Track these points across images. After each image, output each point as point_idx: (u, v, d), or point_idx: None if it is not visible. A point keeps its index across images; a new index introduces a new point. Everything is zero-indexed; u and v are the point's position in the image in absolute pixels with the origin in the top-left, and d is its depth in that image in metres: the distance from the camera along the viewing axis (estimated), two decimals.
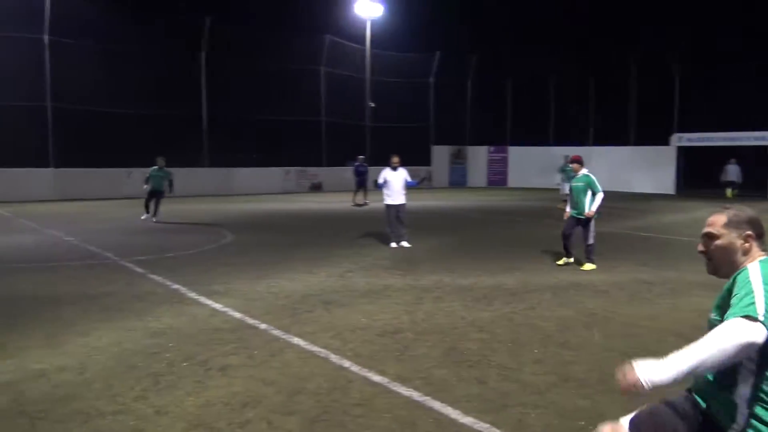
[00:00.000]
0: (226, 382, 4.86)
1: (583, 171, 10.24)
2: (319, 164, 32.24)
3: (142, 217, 16.28)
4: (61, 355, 5.50)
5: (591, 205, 9.90)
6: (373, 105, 34.39)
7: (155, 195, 16.20)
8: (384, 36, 34.87)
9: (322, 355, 5.55)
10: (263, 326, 6.45)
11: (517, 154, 36.42)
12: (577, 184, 10.13)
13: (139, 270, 9.53)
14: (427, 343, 5.90)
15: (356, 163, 22.97)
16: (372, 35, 34.03)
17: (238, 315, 6.89)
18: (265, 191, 28.61)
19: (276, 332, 6.24)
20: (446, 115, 36.94)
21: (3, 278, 8.92)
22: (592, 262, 9.96)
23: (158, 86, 26.95)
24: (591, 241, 10.01)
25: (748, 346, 1.97)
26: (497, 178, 36.94)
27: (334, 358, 5.47)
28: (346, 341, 5.96)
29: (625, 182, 32.73)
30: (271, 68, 29.61)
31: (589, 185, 9.97)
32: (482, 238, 13.42)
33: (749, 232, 2.31)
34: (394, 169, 12.34)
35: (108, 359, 5.39)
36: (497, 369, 5.20)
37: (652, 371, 2.01)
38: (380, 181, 12.39)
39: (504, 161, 37.09)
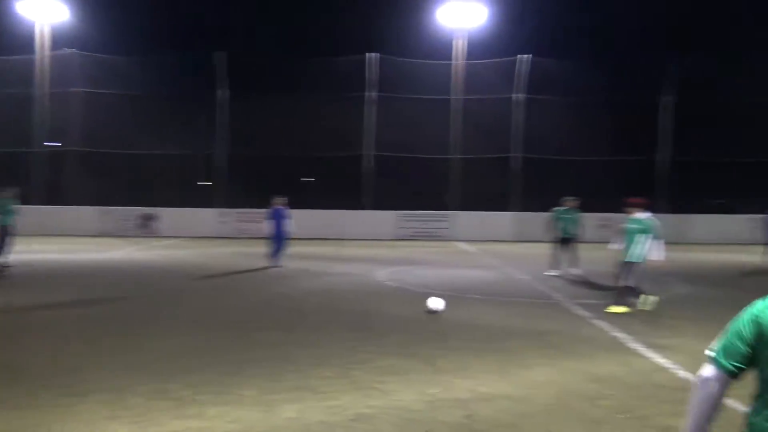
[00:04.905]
0: None
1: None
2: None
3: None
4: (508, 384, 5.95)
5: None
6: None
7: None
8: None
9: None
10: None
11: None
12: None
13: (584, 313, 9.64)
14: None
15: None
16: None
17: (683, 374, 6.30)
18: (729, 241, 25.62)
19: (730, 400, 5.46)
20: None
21: (466, 307, 10.17)
22: None
23: (626, 133, 27.03)
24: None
25: (704, 385, 2.17)
26: None
27: None
28: None
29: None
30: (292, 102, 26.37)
31: None
32: None
33: None
34: None
35: (548, 396, 5.59)
36: None
37: None
38: None
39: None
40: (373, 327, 8.51)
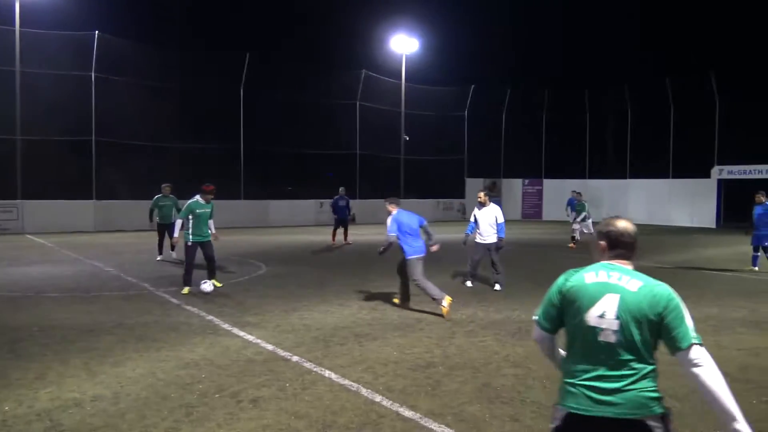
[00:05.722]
0: (257, 415, 4.85)
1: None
2: (352, 197, 32.44)
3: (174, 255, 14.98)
4: (96, 384, 5.57)
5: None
6: (407, 138, 34.65)
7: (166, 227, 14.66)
8: (419, 70, 35.36)
9: (353, 388, 5.50)
10: (295, 359, 6.44)
11: (552, 186, 36.13)
12: None
13: (175, 301, 9.65)
14: (459, 379, 5.80)
15: (336, 197, 20.05)
16: (407, 69, 34.49)
17: (270, 347, 6.90)
18: (300, 223, 28.86)
19: (308, 365, 6.22)
20: (480, 147, 36.96)
21: (42, 307, 9.12)
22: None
23: (198, 121, 27.78)
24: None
25: (540, 340, 2.96)
26: (532, 211, 36.62)
27: (365, 391, 5.41)
28: (377, 375, 5.90)
29: (664, 216, 32.12)
30: (308, 102, 30.19)
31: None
32: (517, 271, 13.24)
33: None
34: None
35: (141, 389, 5.44)
36: (532, 406, 5.08)
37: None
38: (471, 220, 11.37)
39: (539, 194, 36.81)
40: None
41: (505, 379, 5.82)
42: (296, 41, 37.08)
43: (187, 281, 10.36)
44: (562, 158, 37.39)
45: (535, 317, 2.87)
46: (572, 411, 2.59)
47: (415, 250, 9.02)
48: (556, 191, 35.53)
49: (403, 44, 34.00)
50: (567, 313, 2.70)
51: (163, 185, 15.09)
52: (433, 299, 8.73)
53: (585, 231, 19.07)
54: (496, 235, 10.92)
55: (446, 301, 8.59)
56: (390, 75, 34.40)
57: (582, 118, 36.99)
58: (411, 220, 9.18)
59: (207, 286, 10.15)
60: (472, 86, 36.04)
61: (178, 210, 14.81)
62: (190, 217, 10.37)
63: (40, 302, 9.51)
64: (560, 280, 2.78)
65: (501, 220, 10.96)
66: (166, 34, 31.22)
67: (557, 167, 36.94)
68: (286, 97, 29.54)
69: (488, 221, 10.93)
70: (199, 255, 10.47)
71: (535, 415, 4.87)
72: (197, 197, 10.54)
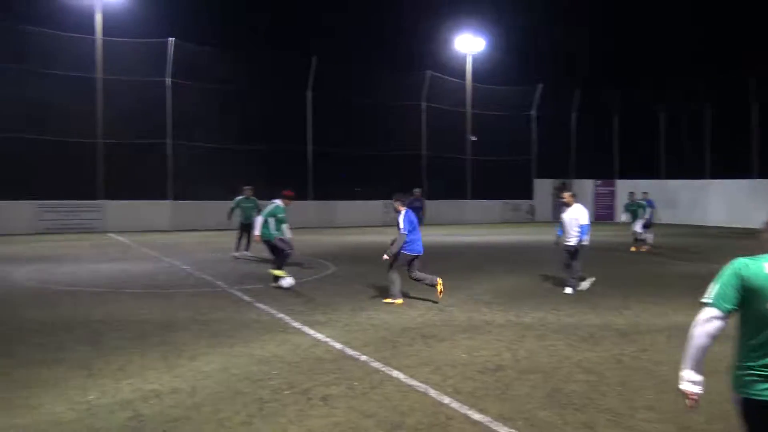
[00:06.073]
0: (327, 412, 4.90)
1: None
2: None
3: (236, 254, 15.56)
4: (174, 377, 5.78)
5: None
6: (473, 138, 34.34)
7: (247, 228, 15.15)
8: (485, 69, 34.97)
9: (421, 389, 5.49)
10: (363, 358, 6.48)
11: (625, 187, 34.95)
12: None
13: (246, 298, 9.90)
14: (530, 383, 5.69)
15: (411, 198, 19.45)
16: (473, 69, 34.20)
17: (339, 345, 6.97)
18: (366, 224, 29.07)
19: (376, 364, 6.25)
20: (549, 148, 36.19)
21: (123, 302, 9.55)
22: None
23: (267, 123, 28.49)
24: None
25: (705, 323, 2.80)
26: (604, 213, 35.52)
27: (433, 393, 5.39)
28: (446, 376, 5.86)
29: (745, 217, 30.49)
30: (373, 104, 30.39)
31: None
32: (587, 274, 12.87)
33: None
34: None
35: (216, 383, 5.60)
36: (606, 414, 4.92)
37: (692, 377, 2.92)
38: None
39: (612, 195, 35.68)
40: (11, 335, 7.38)
41: (577, 384, 5.66)
42: (362, 43, 37.32)
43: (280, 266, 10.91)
44: (636, 158, 36.12)
45: (707, 299, 2.80)
46: (751, 397, 2.66)
47: (413, 248, 9.60)
48: (640, 191, 34.36)
49: (469, 44, 33.74)
50: (747, 300, 2.72)
51: (245, 187, 15.85)
52: (389, 295, 9.56)
53: (638, 231, 18.04)
54: (577, 238, 10.50)
55: (398, 302, 9.42)
56: (455, 75, 34.19)
57: (657, 116, 35.65)
58: (415, 219, 9.79)
59: (288, 281, 10.54)
60: (540, 85, 35.35)
61: (259, 211, 15.36)
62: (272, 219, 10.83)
63: (121, 298, 9.96)
64: (736, 266, 2.80)
65: (584, 221, 10.47)
66: (235, 39, 32.09)
67: (631, 167, 35.71)
68: (352, 98, 29.82)
69: (571, 222, 10.56)
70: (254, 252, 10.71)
71: (611, 424, 4.72)
72: (279, 202, 10.92)
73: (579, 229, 10.46)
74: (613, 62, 39.42)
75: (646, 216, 18.24)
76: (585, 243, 10.63)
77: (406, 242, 9.46)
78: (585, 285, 10.85)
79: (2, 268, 13.46)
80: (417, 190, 19.90)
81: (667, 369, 6.16)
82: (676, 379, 5.79)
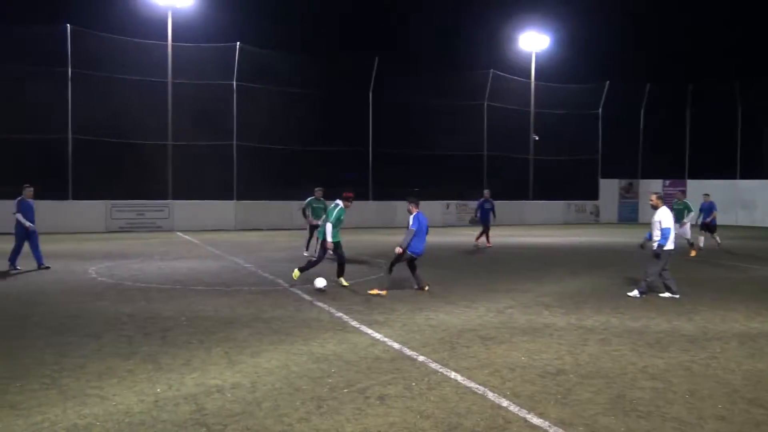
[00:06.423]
0: (384, 411, 4.92)
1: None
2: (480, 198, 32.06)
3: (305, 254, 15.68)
4: (236, 373, 5.93)
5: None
6: (536, 138, 33.76)
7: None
8: (549, 67, 34.32)
9: (479, 391, 5.43)
10: (421, 358, 6.47)
11: (697, 188, 33.58)
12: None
13: (307, 297, 10.05)
14: (592, 388, 5.54)
15: (481, 199, 19.81)
16: (537, 67, 33.62)
17: (397, 345, 6.99)
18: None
19: (434, 365, 6.22)
20: (616, 147, 35.16)
21: (188, 299, 9.87)
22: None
23: (329, 124, 28.88)
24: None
25: None
26: (674, 214, 34.27)
27: (491, 396, 5.33)
28: (504, 379, 5.79)
29: None
30: (435, 104, 30.32)
31: None
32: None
33: None
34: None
35: (276, 380, 5.71)
36: (673, 423, 4.74)
37: None
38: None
39: (682, 196, 34.35)
40: (85, 328, 7.74)
41: (642, 391, 5.48)
42: (424, 42, 37.38)
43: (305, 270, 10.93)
44: (709, 157, 34.62)
45: None
46: None
47: (416, 248, 10.25)
48: (702, 193, 33.00)
49: (533, 41, 33.19)
50: None
51: (316, 189, 16.17)
52: (378, 286, 10.36)
53: (683, 236, 16.95)
54: (658, 241, 10.00)
55: (383, 293, 10.13)
56: (519, 74, 33.69)
57: (732, 112, 34.06)
58: (425, 223, 10.42)
59: (321, 282, 10.48)
60: (607, 82, 34.41)
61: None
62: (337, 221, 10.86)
63: (187, 294, 10.29)
64: None
65: (665, 224, 9.97)
66: (298, 42, 32.76)
67: (703, 166, 34.25)
68: (414, 99, 29.84)
69: (654, 225, 10.14)
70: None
71: None
72: (340, 203, 10.94)
73: (660, 233, 9.99)
74: (684, 58, 37.94)
75: (686, 220, 17.14)
76: (668, 248, 10.01)
77: (416, 242, 10.21)
78: (665, 295, 10.27)
79: (75, 264, 14.15)
80: (486, 191, 19.84)
81: (739, 378, 5.88)
82: (747, 388, 5.54)
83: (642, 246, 10.84)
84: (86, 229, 23.46)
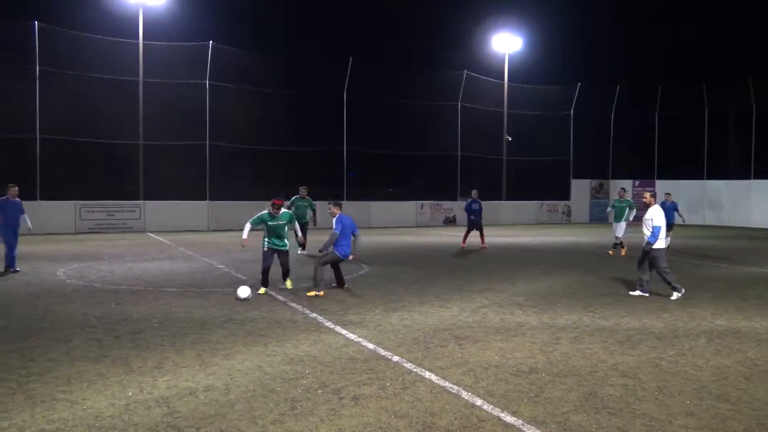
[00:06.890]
0: (358, 412, 4.92)
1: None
2: (453, 198, 32.28)
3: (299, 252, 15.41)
4: (209, 375, 5.87)
5: None
6: (509, 138, 34.06)
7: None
8: (522, 69, 34.68)
9: (453, 391, 5.46)
10: (396, 358, 6.48)
11: (665, 188, 34.21)
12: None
13: (281, 298, 10.00)
14: (564, 386, 5.61)
15: (469, 200, 19.41)
16: (510, 68, 33.91)
17: (371, 346, 6.99)
18: (400, 224, 29.07)
19: (408, 365, 6.24)
20: (587, 147, 35.67)
21: (160, 301, 9.74)
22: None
23: (302, 124, 28.80)
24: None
25: None
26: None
27: (465, 395, 5.36)
28: (478, 378, 5.82)
29: None
30: (409, 104, 30.40)
31: None
32: (626, 276, 12.65)
33: None
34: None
35: (250, 382, 5.67)
36: (643, 419, 4.82)
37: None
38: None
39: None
40: (53, 332, 7.60)
41: (613, 389, 5.56)
42: (398, 43, 37.49)
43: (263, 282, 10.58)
44: (677, 158, 35.32)
45: None
46: None
47: (342, 251, 10.42)
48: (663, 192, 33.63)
49: (506, 43, 33.48)
50: None
51: (301, 187, 16.42)
52: (312, 285, 10.30)
53: (615, 233, 17.05)
54: (647, 239, 10.13)
55: (320, 293, 10.11)
56: (492, 75, 33.97)
57: (699, 114, 34.78)
58: (350, 224, 10.58)
59: (244, 291, 9.87)
60: (579, 84, 34.87)
61: (313, 210, 16.30)
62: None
63: (159, 296, 10.16)
64: None
65: (656, 222, 10.04)
66: (272, 42, 32.66)
67: (671, 167, 34.93)
68: (388, 99, 29.89)
69: (645, 223, 10.21)
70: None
71: (647, 429, 4.62)
72: (268, 209, 10.63)
73: (650, 230, 10.07)
74: (652, 59, 38.63)
75: (629, 218, 17.15)
76: (657, 246, 10.08)
77: (335, 244, 10.37)
78: (635, 293, 10.49)
79: (45, 266, 13.88)
80: (474, 192, 19.57)
81: (707, 374, 6.00)
82: (714, 384, 5.67)
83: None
84: (55, 230, 23.02)
